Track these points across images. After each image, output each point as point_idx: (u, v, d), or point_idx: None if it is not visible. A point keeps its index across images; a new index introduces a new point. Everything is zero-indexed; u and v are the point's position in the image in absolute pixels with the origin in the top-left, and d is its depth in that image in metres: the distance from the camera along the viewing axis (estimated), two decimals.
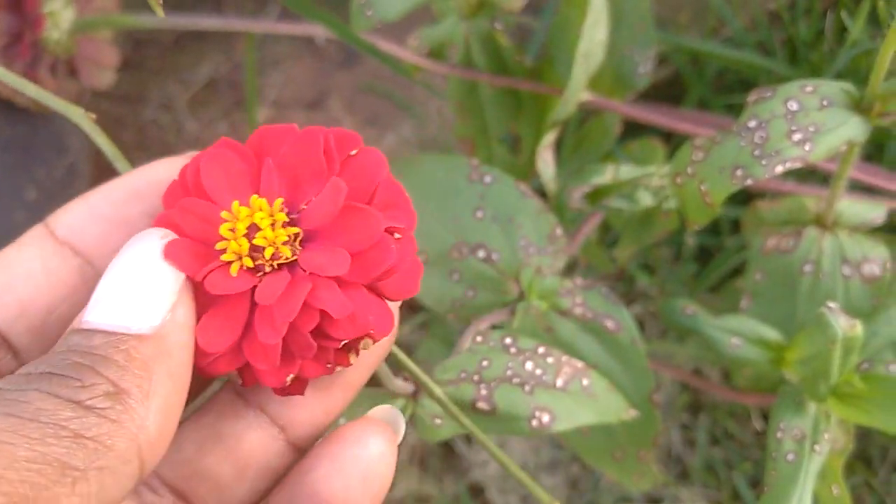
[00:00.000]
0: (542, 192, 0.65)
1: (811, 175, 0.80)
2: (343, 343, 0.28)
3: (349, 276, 0.28)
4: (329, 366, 0.29)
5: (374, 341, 0.29)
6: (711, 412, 0.97)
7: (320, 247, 0.29)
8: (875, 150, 0.87)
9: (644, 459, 0.56)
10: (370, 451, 0.30)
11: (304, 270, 0.28)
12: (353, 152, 0.30)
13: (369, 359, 0.32)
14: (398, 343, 0.36)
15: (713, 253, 0.97)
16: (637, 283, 0.98)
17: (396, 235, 0.29)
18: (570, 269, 0.97)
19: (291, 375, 0.28)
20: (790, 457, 0.52)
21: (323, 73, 1.20)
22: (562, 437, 0.56)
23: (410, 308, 0.98)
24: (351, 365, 0.29)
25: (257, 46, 1.21)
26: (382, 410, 0.32)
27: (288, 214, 0.29)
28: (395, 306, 0.31)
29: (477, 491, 1.03)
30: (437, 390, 0.39)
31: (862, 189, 0.64)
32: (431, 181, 0.56)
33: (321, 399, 0.32)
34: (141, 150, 1.20)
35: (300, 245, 0.29)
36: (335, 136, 0.30)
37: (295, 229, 0.29)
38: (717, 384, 0.91)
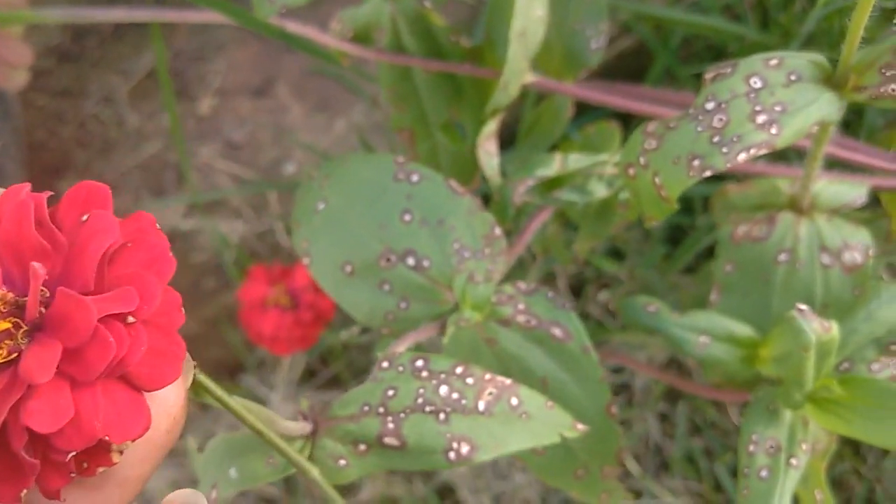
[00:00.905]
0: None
1: (784, 153, 0.75)
2: (74, 454, 0.24)
3: (77, 374, 0.24)
4: (73, 475, 0.25)
5: (132, 440, 0.25)
6: (691, 400, 0.91)
7: (42, 342, 0.24)
8: (854, 117, 0.81)
9: (609, 476, 0.51)
10: None
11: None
12: (85, 218, 0.25)
13: (145, 448, 0.28)
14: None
15: (686, 232, 0.92)
16: (603, 268, 0.92)
17: (130, 319, 0.24)
18: (523, 267, 0.91)
19: (25, 490, 0.25)
20: (763, 473, 0.47)
21: (269, 58, 1.14)
22: (517, 457, 0.51)
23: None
24: (115, 463, 0.26)
25: (199, 31, 1.15)
26: (181, 495, 0.29)
27: (17, 299, 0.25)
28: (170, 393, 0.27)
29: (447, 491, 0.98)
30: (278, 442, 0.34)
31: (840, 165, 0.59)
32: (357, 182, 0.50)
33: (95, 498, 0.28)
34: (82, 148, 1.14)
35: (25, 338, 0.25)
36: (70, 197, 0.26)
37: (11, 320, 0.25)
38: (695, 377, 0.86)
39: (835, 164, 0.59)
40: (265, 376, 1.05)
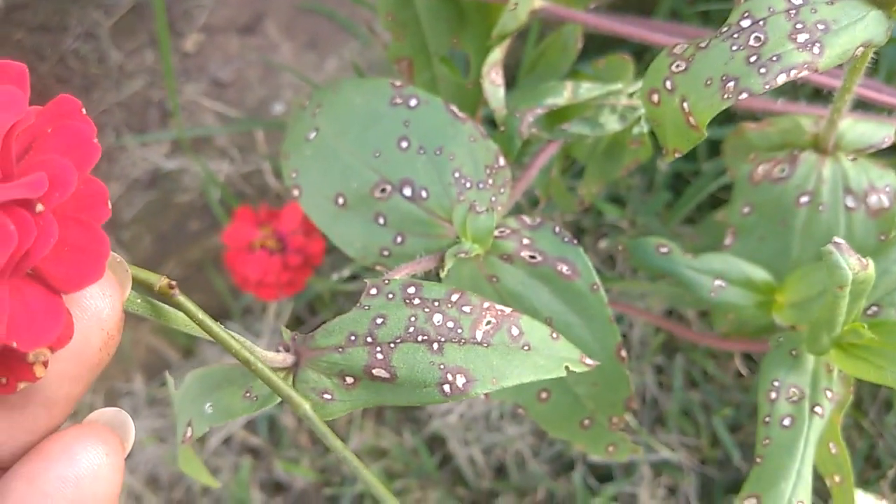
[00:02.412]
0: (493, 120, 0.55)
1: (798, 92, 0.71)
2: None
3: None
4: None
5: (52, 350, 0.22)
6: (688, 352, 0.89)
7: None
8: (870, 59, 0.78)
9: (616, 427, 0.48)
10: (79, 468, 0.25)
11: None
12: None
13: (75, 365, 0.25)
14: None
15: (688, 179, 0.89)
16: (605, 215, 0.89)
17: (39, 208, 0.21)
18: (529, 209, 0.88)
19: None
20: (786, 421, 0.44)
21: None
22: (519, 404, 0.48)
23: (343, 258, 0.90)
24: (39, 378, 0.23)
25: None
26: (106, 414, 0.27)
27: None
28: (103, 304, 0.25)
29: (437, 443, 0.96)
30: (264, 369, 0.30)
31: (859, 107, 0.56)
32: (350, 108, 0.46)
33: (17, 419, 0.25)
34: (61, 84, 1.09)
35: None
36: None
37: None
38: (694, 329, 0.83)
39: (854, 107, 0.56)
40: (251, 323, 1.02)
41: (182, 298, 0.28)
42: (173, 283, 0.27)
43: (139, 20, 1.08)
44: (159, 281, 0.27)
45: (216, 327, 0.29)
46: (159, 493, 1.02)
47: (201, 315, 0.28)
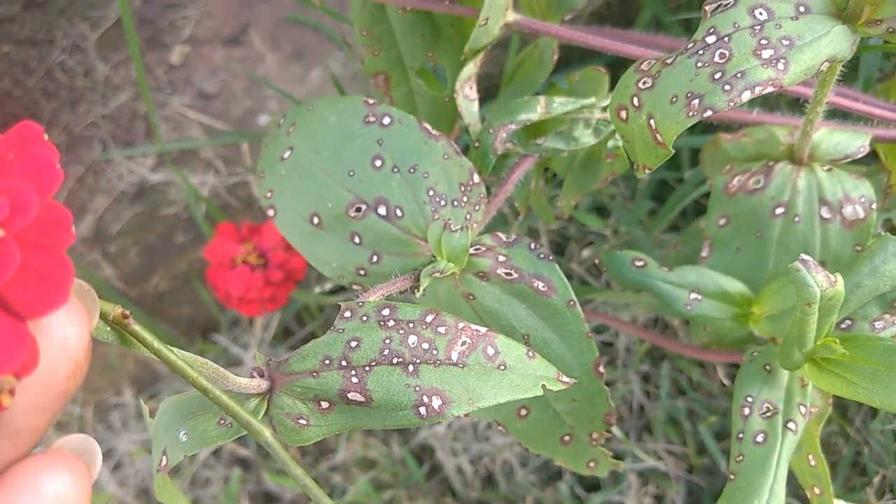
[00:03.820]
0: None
1: (777, 101, 0.71)
2: None
3: None
4: None
5: (17, 377, 0.22)
6: (675, 360, 0.89)
7: None
8: (848, 68, 0.78)
9: (596, 442, 0.48)
10: (46, 498, 0.24)
11: None
12: None
13: (41, 395, 0.25)
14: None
15: (672, 187, 0.89)
16: (588, 224, 0.89)
17: (0, 233, 0.21)
18: (504, 224, 0.88)
19: None
20: (759, 438, 0.44)
21: (242, 5, 1.09)
22: (498, 421, 0.48)
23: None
24: (5, 408, 0.23)
25: None
26: (72, 441, 0.27)
27: None
28: (70, 332, 0.24)
29: (425, 453, 0.96)
30: (222, 396, 0.30)
31: (836, 116, 0.56)
32: (324, 127, 0.46)
33: None
34: (48, 97, 1.09)
35: None
36: None
37: None
38: (681, 337, 0.83)
39: (830, 115, 0.55)
40: (238, 335, 1.01)
41: (137, 328, 0.27)
42: (127, 312, 0.27)
43: (125, 33, 1.08)
44: (113, 310, 0.27)
45: (172, 356, 0.29)
46: None
47: (157, 344, 0.28)
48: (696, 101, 0.36)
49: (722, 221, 0.52)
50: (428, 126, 0.44)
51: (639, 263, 0.51)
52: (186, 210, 0.98)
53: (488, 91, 0.89)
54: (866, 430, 0.80)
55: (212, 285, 0.78)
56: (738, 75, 0.36)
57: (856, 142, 0.51)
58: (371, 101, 0.45)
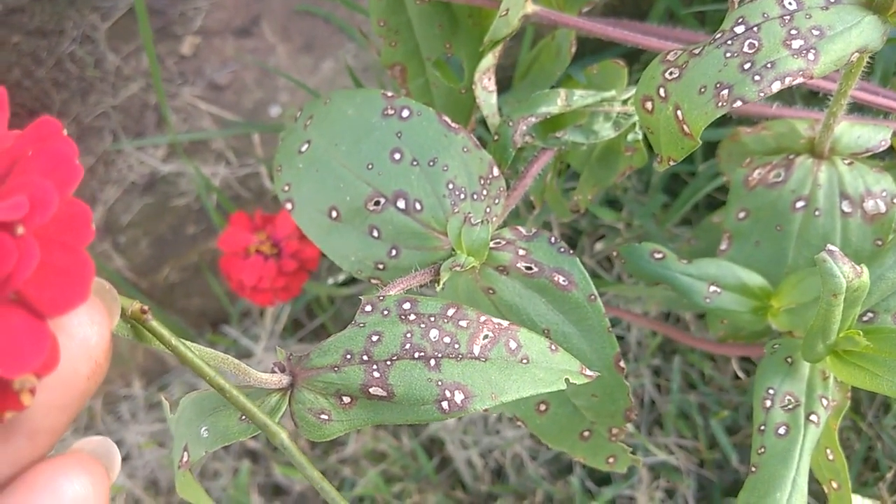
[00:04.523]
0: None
1: (793, 94, 0.71)
2: None
3: None
4: None
5: (38, 376, 0.22)
6: (686, 354, 0.89)
7: None
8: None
9: (616, 437, 0.48)
10: (64, 498, 0.24)
11: None
12: None
13: (61, 394, 0.25)
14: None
15: (685, 181, 0.88)
16: (601, 217, 0.89)
17: (19, 230, 0.21)
18: (518, 218, 0.88)
19: None
20: (782, 430, 0.44)
21: None
22: (517, 416, 0.47)
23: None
24: (26, 407, 0.22)
25: None
26: (91, 443, 0.27)
27: None
28: (91, 332, 0.24)
29: (435, 446, 0.96)
30: (238, 396, 0.30)
31: (854, 110, 0.55)
32: (342, 120, 0.46)
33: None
34: (59, 88, 1.09)
35: None
36: None
37: None
38: (691, 334, 0.83)
39: (849, 110, 0.55)
40: (249, 327, 1.01)
41: (155, 324, 0.27)
42: (146, 308, 0.27)
43: (136, 23, 1.08)
44: (131, 306, 0.27)
45: (189, 353, 0.28)
46: (159, 497, 1.01)
47: (174, 341, 0.28)
48: (725, 92, 0.36)
49: (741, 215, 0.52)
50: (447, 118, 0.44)
51: (658, 256, 0.50)
52: (197, 201, 0.98)
53: (501, 83, 0.89)
54: (879, 425, 0.80)
55: (225, 275, 0.78)
56: (769, 65, 0.35)
57: (877, 135, 0.51)
58: (390, 94, 0.45)
